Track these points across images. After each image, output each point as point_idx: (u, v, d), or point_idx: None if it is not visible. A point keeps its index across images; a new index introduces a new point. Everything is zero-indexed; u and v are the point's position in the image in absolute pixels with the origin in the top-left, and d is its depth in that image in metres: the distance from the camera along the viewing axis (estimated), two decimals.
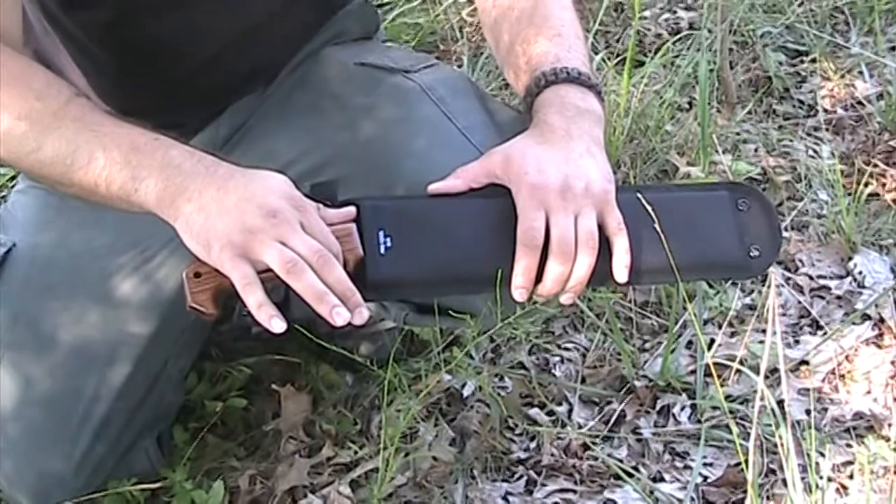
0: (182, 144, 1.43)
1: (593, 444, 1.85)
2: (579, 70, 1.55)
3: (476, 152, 1.55)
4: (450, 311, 1.65)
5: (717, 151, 2.45)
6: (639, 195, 1.51)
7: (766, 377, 1.73)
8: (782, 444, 1.50)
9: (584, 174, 1.45)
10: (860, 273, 2.21)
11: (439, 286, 1.52)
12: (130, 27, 1.64)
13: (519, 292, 1.43)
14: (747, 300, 2.16)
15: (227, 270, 1.33)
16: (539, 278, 1.44)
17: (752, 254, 1.53)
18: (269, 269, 1.33)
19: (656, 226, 1.48)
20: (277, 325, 1.31)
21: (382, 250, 1.44)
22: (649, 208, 1.49)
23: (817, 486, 1.51)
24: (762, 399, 1.45)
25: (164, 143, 1.42)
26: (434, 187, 1.49)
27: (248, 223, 1.33)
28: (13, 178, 2.32)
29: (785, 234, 2.32)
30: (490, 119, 1.67)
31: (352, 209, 1.44)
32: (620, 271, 1.45)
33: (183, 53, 1.68)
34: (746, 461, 1.51)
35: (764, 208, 1.57)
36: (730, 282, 2.16)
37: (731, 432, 1.84)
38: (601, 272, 1.44)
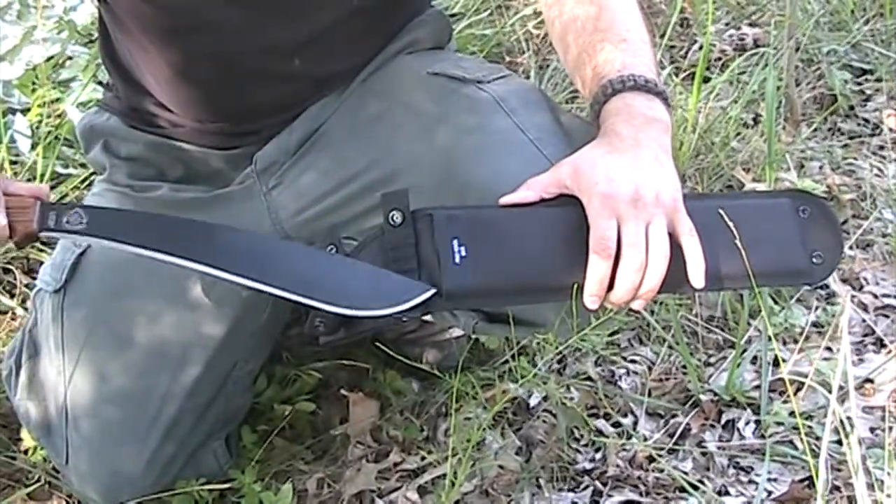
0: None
1: (659, 456, 1.85)
2: (646, 77, 1.54)
3: (547, 163, 1.55)
4: (520, 321, 1.66)
5: (782, 168, 2.45)
6: (706, 203, 1.52)
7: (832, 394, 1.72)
8: (852, 464, 1.49)
9: (653, 183, 1.45)
10: None
11: (512, 295, 1.51)
12: (194, 35, 1.67)
13: (591, 300, 1.43)
14: (812, 317, 2.16)
15: None
16: (611, 286, 1.43)
17: (815, 260, 1.52)
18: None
19: (727, 233, 1.47)
20: None
21: (457, 259, 1.44)
22: (721, 214, 1.49)
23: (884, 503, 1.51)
24: (833, 414, 1.45)
25: None
26: (506, 199, 1.49)
27: None
28: (89, 179, 2.35)
29: (850, 252, 2.32)
30: (561, 130, 1.67)
31: (44, 187, 1.51)
32: (697, 276, 1.45)
33: (250, 65, 1.71)
34: (813, 477, 1.51)
35: (825, 215, 1.56)
36: (794, 298, 2.17)
37: (795, 448, 1.86)
38: (673, 279, 1.44)
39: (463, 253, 1.44)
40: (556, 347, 2.00)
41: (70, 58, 2.73)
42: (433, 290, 1.43)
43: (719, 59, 3.01)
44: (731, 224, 1.48)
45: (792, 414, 1.90)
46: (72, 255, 1.78)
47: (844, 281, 2.24)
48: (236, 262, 1.44)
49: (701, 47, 2.86)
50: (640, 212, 1.42)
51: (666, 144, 1.51)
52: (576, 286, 1.43)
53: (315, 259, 1.47)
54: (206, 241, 1.47)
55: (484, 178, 1.59)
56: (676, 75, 2.76)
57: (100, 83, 2.59)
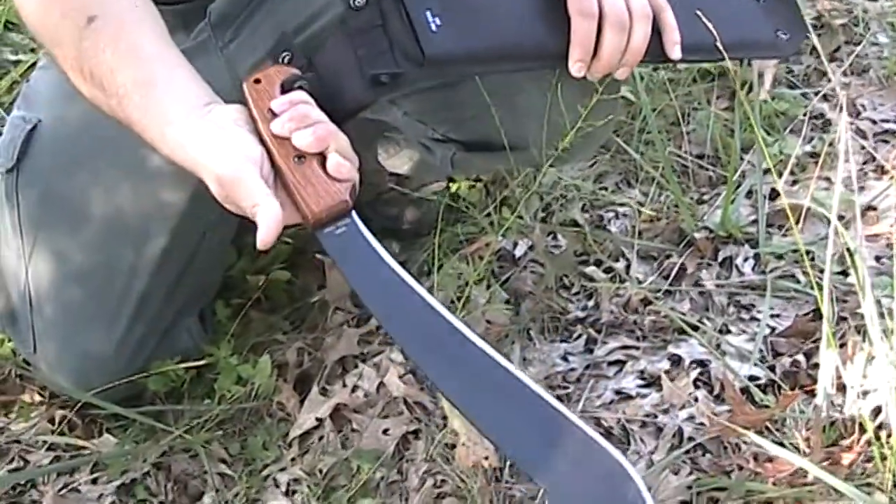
0: None
1: (654, 299, 1.78)
2: None
3: None
4: (499, 146, 1.62)
5: None
6: None
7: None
8: (860, 286, 1.42)
9: None
10: None
11: (495, 61, 1.50)
12: None
13: (577, 66, 1.45)
14: (808, 147, 2.07)
15: None
16: (595, 54, 1.45)
17: (780, 35, 1.62)
18: None
19: (694, 9, 1.53)
20: None
21: (433, 28, 1.43)
22: None
23: (893, 330, 1.43)
24: (836, 240, 1.42)
25: None
26: None
27: None
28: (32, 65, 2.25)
29: (844, 79, 2.24)
30: None
31: None
32: (672, 47, 1.50)
33: None
34: (820, 308, 1.45)
35: (783, 1, 1.65)
36: (788, 129, 2.08)
37: (798, 282, 1.78)
38: (652, 50, 1.48)
39: (438, 22, 1.44)
40: (541, 196, 1.91)
41: None
42: None
43: None
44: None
45: (793, 248, 1.83)
46: (22, 133, 1.69)
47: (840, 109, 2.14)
48: None
49: None
50: None
51: None
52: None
53: None
54: None
55: None
56: None
57: None
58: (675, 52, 1.50)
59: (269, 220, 1.21)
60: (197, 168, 1.29)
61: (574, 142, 1.59)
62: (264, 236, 1.21)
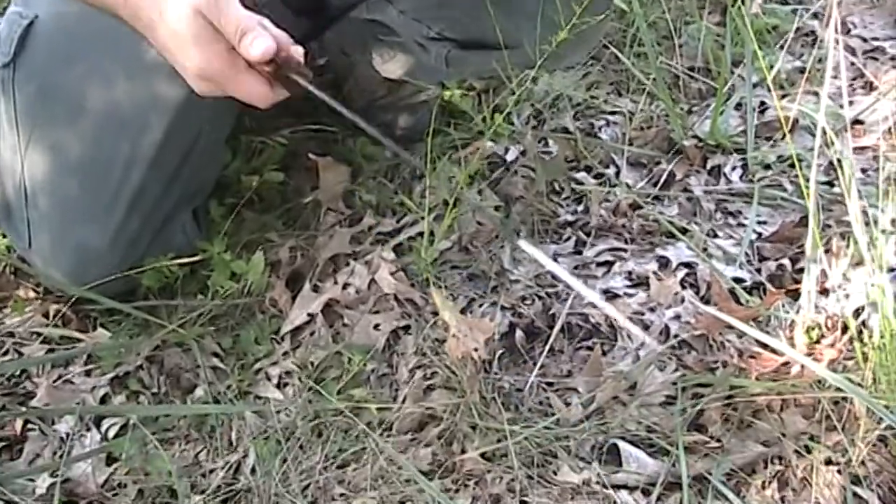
0: None
1: (644, 203, 1.80)
2: None
3: None
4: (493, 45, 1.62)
5: None
6: None
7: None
8: (846, 188, 1.44)
9: None
10: None
11: None
12: None
13: None
14: (797, 63, 2.09)
15: None
16: None
17: None
18: None
19: None
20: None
21: None
22: None
23: (878, 236, 1.46)
24: (823, 149, 1.43)
25: None
26: None
27: None
28: None
29: None
30: None
31: None
32: None
33: None
34: (808, 215, 1.47)
35: None
36: (778, 45, 2.09)
37: (785, 191, 1.80)
38: None
39: None
40: (533, 104, 1.93)
41: None
42: None
43: None
44: None
45: (780, 158, 1.85)
46: (19, 28, 1.69)
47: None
48: None
49: None
50: None
51: None
52: None
53: None
54: None
55: None
56: None
57: None
58: None
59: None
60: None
61: (567, 40, 1.60)
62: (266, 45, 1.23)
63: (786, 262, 1.67)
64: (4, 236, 1.81)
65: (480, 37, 1.65)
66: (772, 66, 2.03)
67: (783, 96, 1.99)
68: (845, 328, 1.48)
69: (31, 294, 1.81)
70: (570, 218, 1.82)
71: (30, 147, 1.67)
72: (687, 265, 1.69)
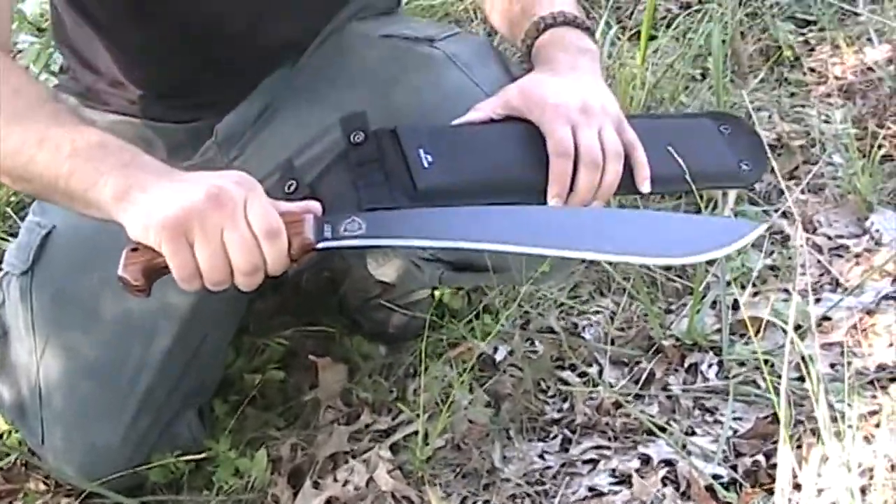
0: (152, 156, 1.45)
1: (625, 402, 1.88)
2: (574, 14, 1.70)
3: None
4: (484, 268, 1.71)
5: None
6: (640, 121, 1.69)
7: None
8: (813, 393, 1.53)
9: (597, 96, 1.60)
10: (877, 231, 2.24)
11: (479, 194, 1.57)
12: (158, 4, 1.68)
13: (555, 200, 1.55)
14: (768, 261, 2.19)
15: (163, 250, 1.36)
16: (571, 189, 1.56)
17: (743, 167, 1.73)
18: None
19: (663, 144, 1.66)
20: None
21: (425, 164, 1.57)
22: (658, 127, 1.75)
23: (845, 433, 1.54)
24: (792, 349, 1.51)
25: (134, 149, 1.44)
26: (457, 121, 1.62)
27: (188, 201, 1.33)
28: None
29: (802, 196, 2.36)
30: (513, 81, 1.72)
31: (316, 204, 1.46)
32: (643, 182, 1.61)
33: (212, 30, 1.72)
34: (777, 413, 1.55)
35: (744, 130, 1.81)
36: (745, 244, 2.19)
37: (758, 387, 1.89)
38: (624, 184, 1.59)
39: (430, 159, 1.57)
40: (520, 304, 2.02)
41: (21, 50, 2.73)
42: (764, 226, 1.60)
43: (665, 17, 3.03)
44: (661, 137, 1.68)
45: (754, 353, 1.94)
46: (37, 237, 1.79)
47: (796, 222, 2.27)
48: (537, 236, 1.46)
49: (645, 8, 2.89)
50: (591, 119, 1.57)
51: (598, 72, 1.67)
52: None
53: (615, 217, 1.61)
54: (490, 222, 1.48)
55: None
56: (623, 34, 2.78)
57: (51, 72, 2.59)
58: (644, 187, 1.61)
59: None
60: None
61: (552, 265, 1.73)
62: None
63: (760, 457, 1.74)
64: (17, 430, 1.87)
65: (471, 260, 1.74)
66: (744, 265, 2.14)
67: (755, 294, 2.09)
68: None
69: (42, 487, 1.87)
70: (556, 416, 1.90)
71: (46, 351, 1.75)
72: (668, 462, 1.76)
